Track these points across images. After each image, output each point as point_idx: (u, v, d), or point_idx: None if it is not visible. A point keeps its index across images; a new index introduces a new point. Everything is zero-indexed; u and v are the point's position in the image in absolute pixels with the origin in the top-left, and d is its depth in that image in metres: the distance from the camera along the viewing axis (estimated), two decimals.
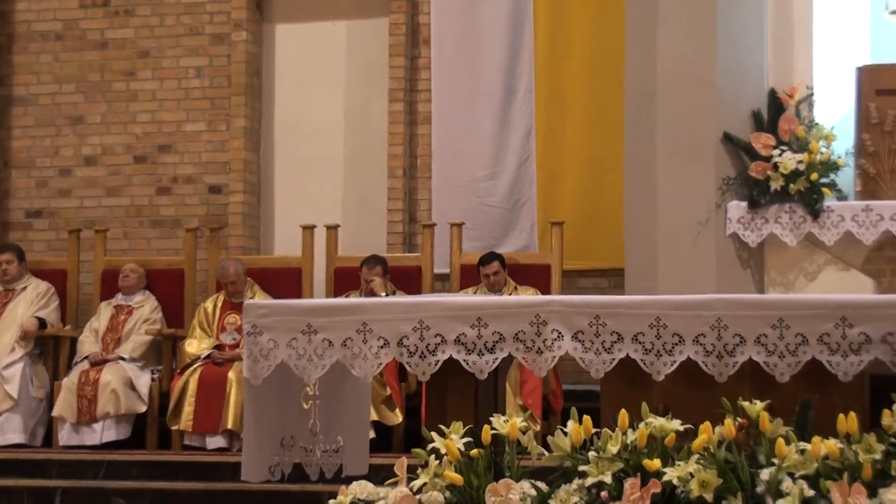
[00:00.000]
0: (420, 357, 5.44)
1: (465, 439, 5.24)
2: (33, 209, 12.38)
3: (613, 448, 5.09)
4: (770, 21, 9.86)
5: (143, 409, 10.24)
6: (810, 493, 4.91)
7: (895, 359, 5.14)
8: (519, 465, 5.24)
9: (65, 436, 10.17)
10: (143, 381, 10.31)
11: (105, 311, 10.73)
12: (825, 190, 9.57)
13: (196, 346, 10.33)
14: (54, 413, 10.23)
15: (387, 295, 9.78)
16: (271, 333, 5.58)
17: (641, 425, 5.12)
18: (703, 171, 9.60)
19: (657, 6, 9.61)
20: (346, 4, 12.08)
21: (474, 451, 5.22)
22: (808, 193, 9.56)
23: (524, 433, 5.24)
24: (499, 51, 11.50)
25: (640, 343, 5.31)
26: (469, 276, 10.38)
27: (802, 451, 5.00)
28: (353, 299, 7.92)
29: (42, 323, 10.69)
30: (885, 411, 5.09)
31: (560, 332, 5.36)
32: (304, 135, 12.04)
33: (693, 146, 9.56)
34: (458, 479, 5.18)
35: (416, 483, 5.24)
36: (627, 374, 5.37)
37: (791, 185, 9.56)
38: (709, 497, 4.94)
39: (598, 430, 5.19)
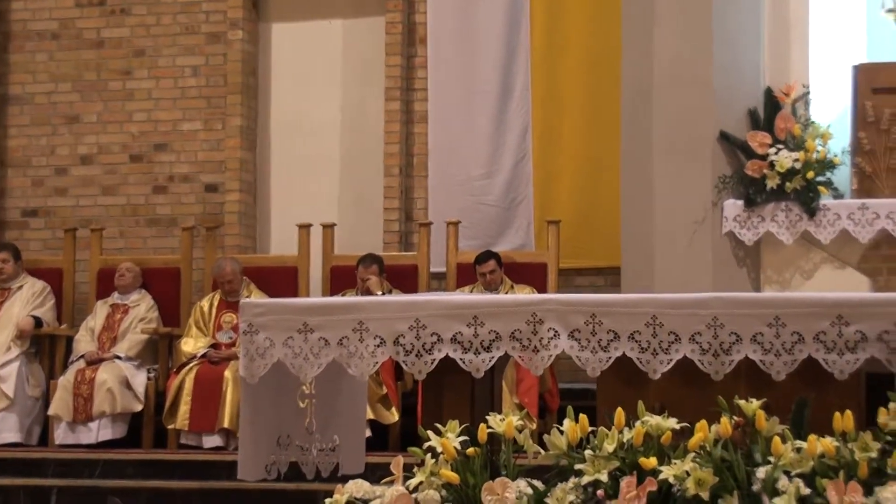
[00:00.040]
0: (416, 356, 5.44)
1: (462, 438, 5.24)
2: (29, 208, 12.37)
3: (610, 446, 5.09)
4: (766, 19, 9.86)
5: (139, 407, 10.23)
6: (806, 491, 4.91)
7: (891, 357, 5.14)
8: (515, 464, 5.24)
9: (61, 435, 10.17)
10: (140, 379, 10.31)
11: (101, 310, 10.72)
12: (821, 188, 9.57)
13: (192, 344, 10.32)
14: (50, 412, 10.23)
15: (383, 294, 9.77)
16: (267, 332, 5.58)
17: (638, 424, 5.12)
18: (699, 169, 9.61)
19: (653, 5, 9.62)
20: (343, 3, 12.07)
21: (470, 450, 5.23)
22: (804, 192, 9.56)
23: (520, 432, 5.24)
24: (495, 49, 11.49)
25: (636, 341, 5.31)
26: (465, 275, 10.38)
27: (799, 450, 5.00)
28: (350, 298, 7.93)
29: (38, 322, 10.69)
30: (881, 409, 5.09)
31: (556, 331, 5.36)
32: (300, 133, 12.04)
33: (689, 145, 9.57)
34: (454, 477, 5.18)
35: (413, 482, 5.24)
36: (624, 372, 5.37)
37: (787, 184, 9.56)
38: (705, 495, 4.94)
39: (594, 428, 5.19)
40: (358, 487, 5.39)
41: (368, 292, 9.88)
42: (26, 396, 10.45)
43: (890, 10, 9.74)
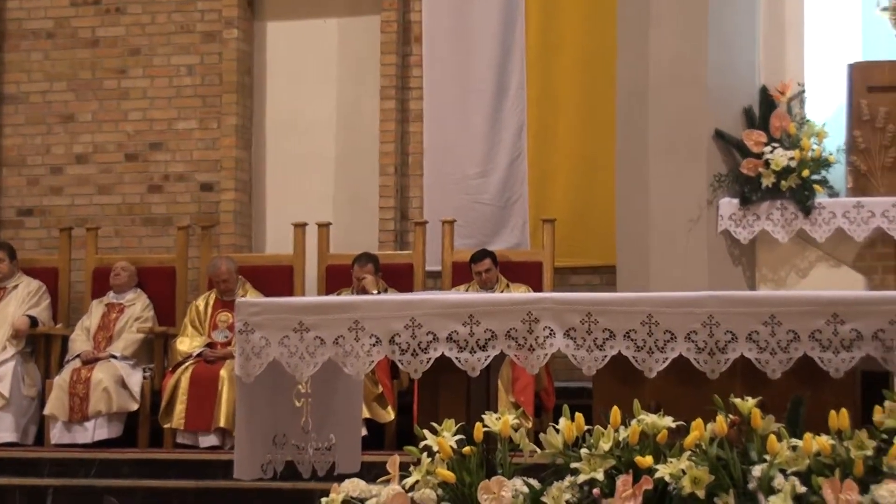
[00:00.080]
0: (412, 355, 5.44)
1: (458, 437, 5.24)
2: (24, 207, 12.36)
3: (605, 445, 5.09)
4: (762, 18, 9.87)
5: (135, 407, 10.23)
6: (802, 489, 4.91)
7: (886, 355, 5.15)
8: (511, 463, 5.25)
9: (56, 434, 10.16)
10: (135, 379, 10.31)
11: (96, 310, 10.72)
12: (816, 187, 9.57)
13: (188, 344, 10.32)
14: (46, 411, 10.22)
15: (378, 293, 9.77)
16: (263, 331, 5.58)
17: (633, 422, 5.12)
18: (694, 168, 9.61)
19: (649, 4, 9.62)
20: (338, 2, 12.07)
21: (466, 449, 5.23)
22: (799, 190, 9.57)
23: (516, 430, 5.24)
24: (490, 48, 11.49)
25: (631, 340, 5.31)
26: (461, 274, 10.38)
27: (794, 448, 5.00)
28: (345, 297, 7.92)
29: (33, 321, 10.68)
30: (877, 408, 5.10)
31: (552, 330, 5.36)
32: (295, 132, 12.03)
33: (685, 143, 9.57)
34: (450, 476, 5.18)
35: (409, 481, 5.24)
36: (619, 371, 5.38)
37: (782, 182, 9.57)
38: (701, 494, 4.94)
39: (590, 427, 5.20)
40: (354, 486, 5.40)
41: (364, 291, 9.88)
42: (22, 396, 10.44)
43: (885, 9, 9.74)
